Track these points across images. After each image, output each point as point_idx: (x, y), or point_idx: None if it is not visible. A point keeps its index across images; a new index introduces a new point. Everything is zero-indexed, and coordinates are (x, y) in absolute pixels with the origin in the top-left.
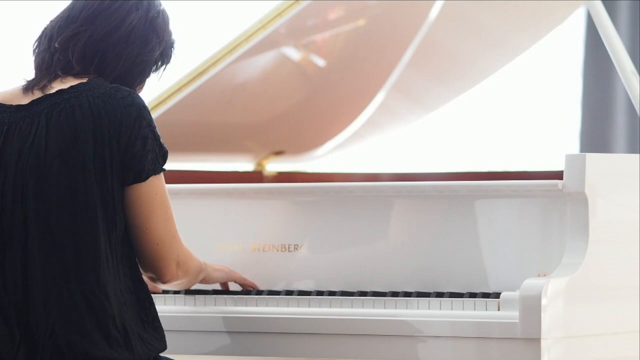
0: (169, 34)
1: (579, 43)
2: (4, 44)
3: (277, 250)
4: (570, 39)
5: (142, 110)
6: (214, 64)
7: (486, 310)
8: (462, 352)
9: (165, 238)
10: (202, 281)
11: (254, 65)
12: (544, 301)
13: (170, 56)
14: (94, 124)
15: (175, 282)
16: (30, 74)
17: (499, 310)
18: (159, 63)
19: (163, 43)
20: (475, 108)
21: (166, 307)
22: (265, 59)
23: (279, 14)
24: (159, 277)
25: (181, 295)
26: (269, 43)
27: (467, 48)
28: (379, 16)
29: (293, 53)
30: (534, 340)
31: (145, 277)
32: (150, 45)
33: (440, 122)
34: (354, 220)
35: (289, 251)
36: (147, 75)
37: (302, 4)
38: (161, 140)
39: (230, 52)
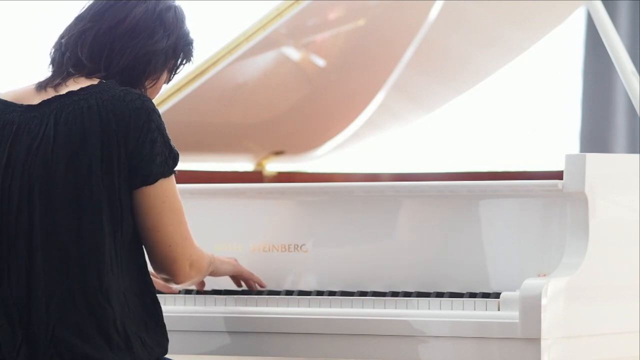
0: (183, 30)
1: (579, 43)
2: (4, 44)
3: (277, 251)
4: (570, 39)
5: (151, 113)
6: (214, 64)
7: (486, 310)
8: (462, 352)
9: (177, 240)
10: (211, 274)
11: (254, 65)
12: (544, 301)
13: (189, 54)
14: (102, 127)
15: (188, 282)
16: (30, 74)
17: (499, 310)
18: (172, 59)
19: (173, 37)
20: (475, 108)
21: (166, 307)
22: (265, 59)
23: (279, 14)
24: (173, 278)
25: (181, 295)
26: (269, 43)
27: (467, 48)
28: (379, 16)
29: (293, 53)
30: (534, 340)
31: (157, 279)
32: (156, 37)
33: (440, 122)
34: (354, 220)
35: (288, 251)
36: (157, 71)
37: (302, 4)
38: (171, 143)
39: (230, 52)
